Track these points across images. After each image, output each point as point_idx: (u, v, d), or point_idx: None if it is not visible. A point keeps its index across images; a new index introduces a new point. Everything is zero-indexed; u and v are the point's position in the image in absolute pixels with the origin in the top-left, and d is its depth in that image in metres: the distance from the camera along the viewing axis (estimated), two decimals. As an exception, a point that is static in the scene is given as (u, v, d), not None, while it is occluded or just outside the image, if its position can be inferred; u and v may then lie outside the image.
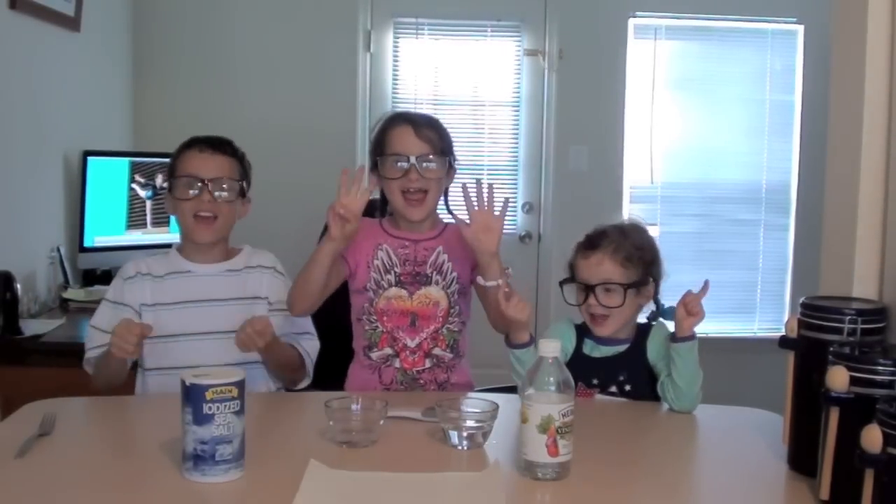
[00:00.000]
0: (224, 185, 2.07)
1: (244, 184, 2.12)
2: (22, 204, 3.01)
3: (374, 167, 2.10)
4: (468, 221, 1.92)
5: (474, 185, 1.91)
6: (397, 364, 2.06)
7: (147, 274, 2.11)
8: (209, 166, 2.07)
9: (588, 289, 1.94)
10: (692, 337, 1.85)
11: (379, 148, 2.09)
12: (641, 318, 2.02)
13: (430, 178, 2.05)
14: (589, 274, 1.94)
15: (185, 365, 1.92)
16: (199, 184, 2.05)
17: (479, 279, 1.95)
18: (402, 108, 4.09)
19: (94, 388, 2.05)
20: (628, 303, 1.94)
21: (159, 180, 3.43)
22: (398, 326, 2.06)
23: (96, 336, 2.06)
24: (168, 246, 2.23)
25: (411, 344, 2.07)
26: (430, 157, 2.05)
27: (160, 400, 1.95)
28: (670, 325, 1.92)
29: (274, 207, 3.55)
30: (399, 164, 2.04)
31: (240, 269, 2.14)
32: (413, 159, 2.02)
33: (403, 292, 2.07)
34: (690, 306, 1.84)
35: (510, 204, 4.19)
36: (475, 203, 1.91)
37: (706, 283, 1.86)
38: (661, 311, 2.00)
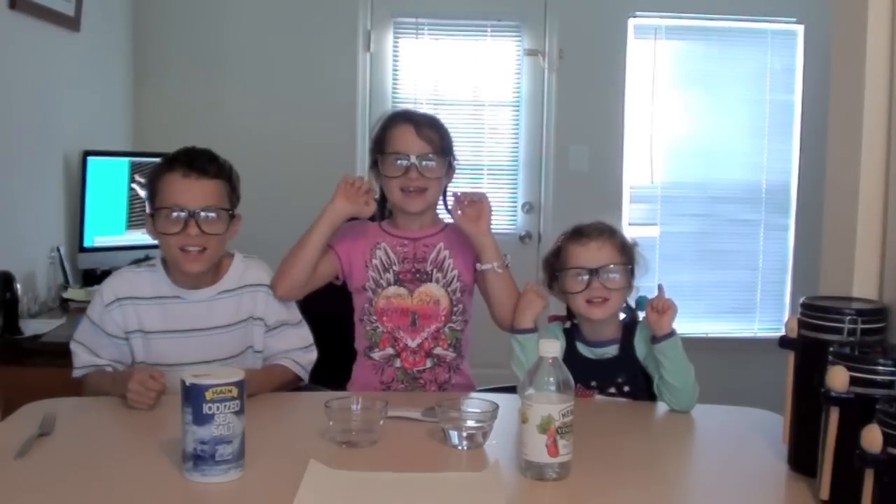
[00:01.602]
0: (212, 215, 1.91)
1: (233, 208, 1.98)
2: (22, 204, 3.01)
3: (374, 165, 2.10)
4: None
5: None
6: (398, 364, 2.06)
7: (128, 298, 1.97)
8: (195, 194, 1.91)
9: (591, 273, 1.94)
10: (672, 334, 1.87)
11: (379, 146, 2.09)
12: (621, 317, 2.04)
13: (430, 177, 2.05)
14: (591, 259, 1.94)
15: None
16: (185, 215, 1.90)
17: (478, 265, 2.03)
18: (403, 107, 4.07)
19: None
20: (626, 286, 1.96)
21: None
22: (399, 326, 2.07)
23: (81, 355, 2.00)
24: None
25: (412, 344, 2.07)
26: (431, 156, 2.05)
27: (160, 400, 1.94)
28: None
29: (273, 207, 3.56)
30: (399, 162, 2.04)
31: (233, 290, 2.01)
32: (413, 158, 2.03)
33: (403, 290, 2.07)
34: (658, 305, 1.87)
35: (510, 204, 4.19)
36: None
37: (660, 287, 1.91)
38: (638, 304, 2.01)
